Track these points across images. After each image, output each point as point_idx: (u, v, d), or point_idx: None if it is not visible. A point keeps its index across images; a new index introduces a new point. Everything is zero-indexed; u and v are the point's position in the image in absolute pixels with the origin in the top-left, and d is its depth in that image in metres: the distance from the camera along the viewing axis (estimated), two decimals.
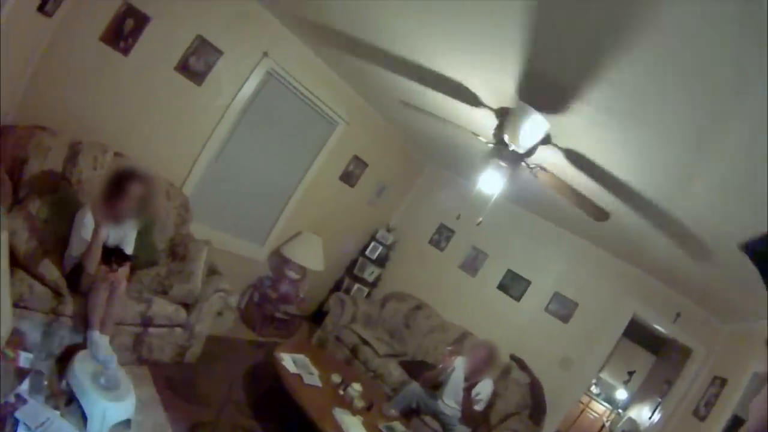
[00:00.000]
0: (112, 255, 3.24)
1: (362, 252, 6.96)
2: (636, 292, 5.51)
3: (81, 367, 2.77)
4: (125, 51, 3.76)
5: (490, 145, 3.47)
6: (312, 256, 5.80)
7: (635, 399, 9.35)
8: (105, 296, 3.06)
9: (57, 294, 2.99)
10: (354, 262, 6.96)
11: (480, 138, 3.53)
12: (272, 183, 5.49)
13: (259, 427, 3.66)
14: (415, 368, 5.20)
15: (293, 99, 5.10)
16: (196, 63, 4.19)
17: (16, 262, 2.84)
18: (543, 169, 3.36)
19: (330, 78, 5.23)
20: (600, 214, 3.32)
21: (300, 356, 4.15)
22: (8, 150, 3.24)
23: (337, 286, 6.92)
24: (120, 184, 3.21)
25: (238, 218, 5.40)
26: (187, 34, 4.06)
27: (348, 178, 6.24)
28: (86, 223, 3.14)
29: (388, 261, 7.06)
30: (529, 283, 6.04)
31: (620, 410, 9.43)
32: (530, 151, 3.25)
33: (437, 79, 3.48)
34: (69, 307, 3.03)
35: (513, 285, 6.12)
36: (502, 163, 3.32)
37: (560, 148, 3.28)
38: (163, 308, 3.58)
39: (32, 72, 3.47)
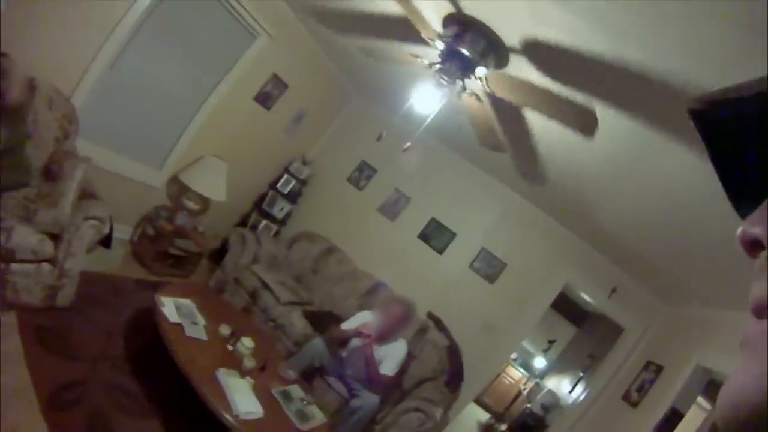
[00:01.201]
0: None
1: (273, 185, 6.55)
2: (571, 260, 5.45)
3: None
4: None
5: (428, 63, 3.10)
6: (213, 185, 5.32)
7: (553, 369, 9.69)
8: None
9: None
10: (263, 196, 6.55)
11: (420, 59, 3.16)
12: (175, 97, 4.89)
13: (137, 387, 3.26)
14: (321, 320, 4.98)
15: (208, 1, 4.47)
16: None
17: None
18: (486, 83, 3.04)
19: None
20: (587, 121, 2.93)
21: (185, 301, 3.72)
22: None
23: (243, 222, 6.50)
24: None
25: (134, 137, 4.79)
26: None
27: (264, 99, 5.70)
28: None
29: (301, 197, 6.70)
30: (454, 235, 5.88)
31: (538, 379, 9.74)
32: (482, 57, 2.96)
33: None
34: None
35: (436, 236, 5.95)
36: (444, 79, 3.00)
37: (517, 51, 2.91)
38: (25, 238, 3.06)
39: None
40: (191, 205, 5.32)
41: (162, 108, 4.87)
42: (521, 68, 3.03)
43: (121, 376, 3.28)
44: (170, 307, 3.51)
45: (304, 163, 6.69)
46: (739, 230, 0.43)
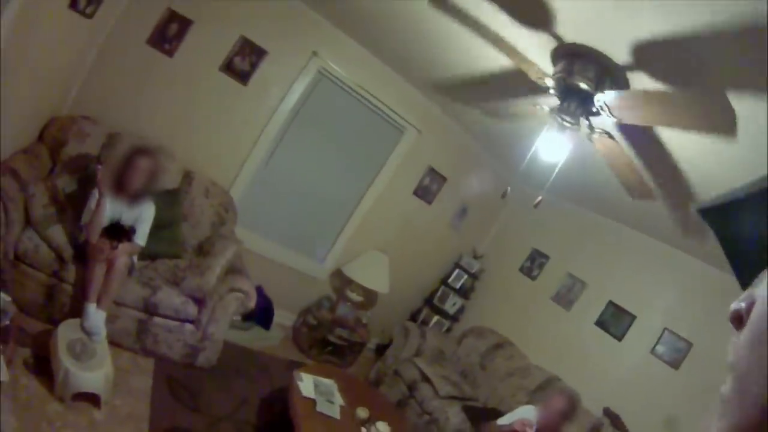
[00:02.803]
0: (120, 232, 3.43)
1: (444, 281, 6.60)
2: None
3: (64, 330, 2.95)
4: (170, 53, 4.22)
5: (546, 107, 2.99)
6: (376, 277, 5.58)
7: None
8: (102, 270, 3.21)
9: (60, 259, 3.26)
10: (434, 292, 6.62)
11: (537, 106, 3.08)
12: (332, 192, 5.42)
13: None
14: (481, 416, 4.69)
15: (350, 101, 5.05)
16: (241, 63, 4.45)
17: (29, 222, 3.25)
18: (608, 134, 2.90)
19: (393, 80, 5.13)
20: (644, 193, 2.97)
21: (327, 381, 3.68)
22: (51, 134, 3.74)
23: (413, 317, 6.59)
24: (130, 157, 3.47)
25: (295, 231, 5.37)
26: (229, 35, 4.39)
27: (424, 193, 5.99)
28: (95, 192, 3.33)
29: (474, 292, 6.65)
30: (633, 318, 5.26)
31: None
32: (599, 84, 2.73)
33: None
34: (71, 274, 3.28)
35: (614, 321, 5.39)
36: (566, 120, 2.82)
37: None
38: (169, 298, 3.61)
39: (87, 70, 4.00)
40: (354, 296, 5.60)
41: (321, 202, 5.40)
42: (642, 85, 2.78)
43: None
44: (308, 383, 3.51)
45: (475, 257, 6.69)
46: (730, 309, 0.50)
